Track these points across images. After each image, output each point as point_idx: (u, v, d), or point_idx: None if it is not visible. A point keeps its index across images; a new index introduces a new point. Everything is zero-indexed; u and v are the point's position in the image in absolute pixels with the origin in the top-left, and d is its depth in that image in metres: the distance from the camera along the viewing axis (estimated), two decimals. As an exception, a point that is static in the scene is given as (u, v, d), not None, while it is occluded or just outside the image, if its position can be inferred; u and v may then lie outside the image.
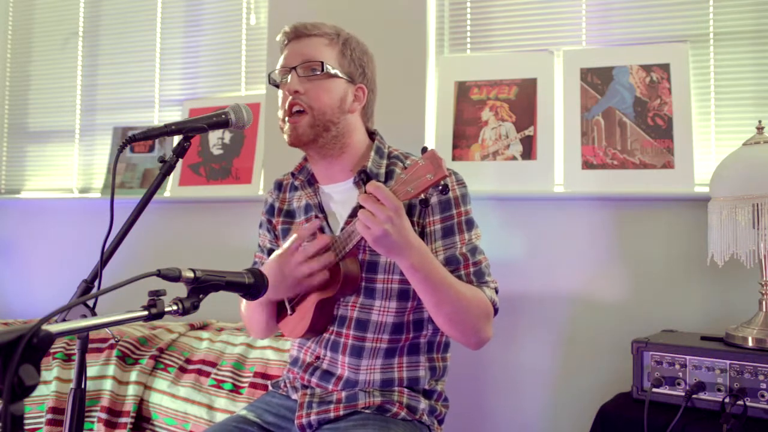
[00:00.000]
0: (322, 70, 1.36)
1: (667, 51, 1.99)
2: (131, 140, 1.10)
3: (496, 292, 1.37)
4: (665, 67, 1.98)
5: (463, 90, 2.19)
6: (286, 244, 1.35)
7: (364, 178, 1.39)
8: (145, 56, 2.72)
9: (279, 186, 1.57)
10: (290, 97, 1.37)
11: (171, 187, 2.58)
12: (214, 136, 2.55)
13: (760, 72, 1.92)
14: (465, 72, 2.21)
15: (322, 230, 1.43)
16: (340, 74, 1.38)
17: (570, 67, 2.08)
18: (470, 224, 1.39)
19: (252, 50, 2.55)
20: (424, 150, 1.15)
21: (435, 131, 2.20)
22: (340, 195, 1.44)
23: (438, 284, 1.23)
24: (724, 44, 1.95)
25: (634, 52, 2.02)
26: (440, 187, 1.15)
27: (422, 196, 1.16)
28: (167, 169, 1.15)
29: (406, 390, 1.37)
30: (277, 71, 1.42)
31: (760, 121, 1.67)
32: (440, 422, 1.45)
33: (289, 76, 1.38)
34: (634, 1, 2.04)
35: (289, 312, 1.42)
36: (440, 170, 1.12)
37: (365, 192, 1.16)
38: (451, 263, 1.33)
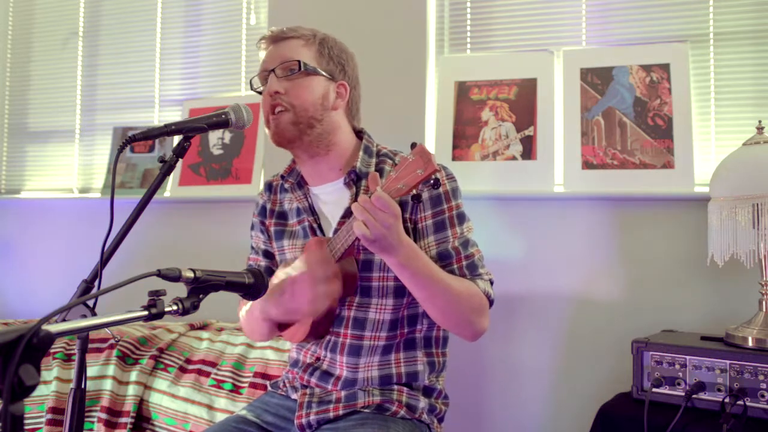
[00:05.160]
0: (300, 68, 1.36)
1: (667, 51, 1.99)
2: (131, 140, 1.10)
3: (491, 283, 1.38)
4: (665, 67, 1.98)
5: (463, 90, 2.19)
6: (284, 273, 1.34)
7: (354, 178, 1.39)
8: (145, 56, 2.72)
9: (269, 187, 1.57)
10: (271, 99, 1.37)
11: (171, 187, 2.58)
12: (214, 136, 2.55)
13: (760, 72, 1.92)
14: (465, 72, 2.20)
15: (314, 232, 1.43)
16: (319, 71, 1.39)
17: (570, 67, 2.08)
18: (461, 218, 1.39)
19: (252, 50, 2.55)
20: (414, 146, 1.15)
21: (435, 131, 2.20)
22: (329, 196, 1.44)
23: (427, 279, 1.24)
24: (724, 44, 1.95)
25: (634, 52, 2.02)
26: (431, 182, 1.15)
27: (413, 192, 1.16)
28: (167, 169, 1.15)
29: (405, 388, 1.37)
30: (257, 77, 1.43)
31: (760, 121, 1.67)
32: (440, 420, 1.45)
33: (269, 79, 1.38)
34: (634, 1, 2.04)
35: None
36: (430, 165, 1.12)
37: (365, 194, 1.16)
38: (444, 258, 1.34)
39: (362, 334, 1.37)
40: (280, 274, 1.39)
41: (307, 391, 1.40)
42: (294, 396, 1.43)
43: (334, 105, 1.41)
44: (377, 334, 1.37)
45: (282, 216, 1.52)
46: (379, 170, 1.41)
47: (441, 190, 1.37)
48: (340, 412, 1.34)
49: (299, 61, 1.36)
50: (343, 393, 1.36)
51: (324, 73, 1.39)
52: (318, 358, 1.42)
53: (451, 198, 1.38)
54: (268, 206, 1.55)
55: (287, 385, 1.47)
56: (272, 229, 1.52)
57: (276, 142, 1.39)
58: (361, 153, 1.42)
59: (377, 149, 1.45)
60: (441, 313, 1.30)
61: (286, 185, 1.49)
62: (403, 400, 1.35)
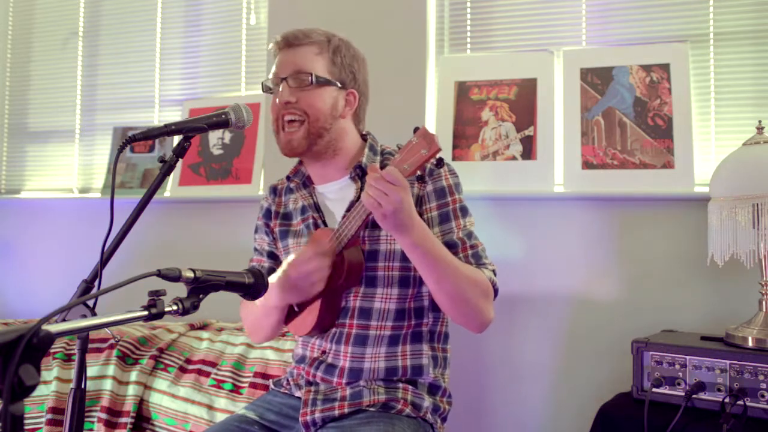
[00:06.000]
0: (311, 81, 1.38)
1: (667, 51, 1.99)
2: (131, 140, 1.10)
3: (495, 274, 1.39)
4: (665, 67, 1.98)
5: (463, 90, 2.19)
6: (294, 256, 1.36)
7: (359, 173, 1.42)
8: (145, 56, 2.72)
9: (274, 190, 1.59)
10: (283, 108, 1.39)
11: (171, 187, 2.58)
12: (214, 136, 2.55)
13: (760, 72, 1.92)
14: (465, 72, 2.20)
15: (318, 228, 1.44)
16: (330, 82, 1.41)
17: (570, 67, 2.08)
18: (464, 211, 1.42)
19: (252, 50, 2.55)
20: (416, 130, 1.17)
21: (435, 131, 2.20)
22: (335, 194, 1.47)
23: (438, 260, 1.26)
24: (724, 44, 1.95)
25: (634, 52, 2.02)
26: (435, 161, 1.17)
27: (418, 172, 1.17)
28: (167, 169, 1.15)
29: (410, 387, 1.38)
30: (269, 79, 1.44)
31: (760, 121, 1.67)
32: (443, 420, 1.45)
33: (281, 87, 1.40)
34: (634, 1, 2.04)
35: (296, 308, 1.43)
36: (434, 144, 1.14)
37: (373, 175, 1.18)
38: (450, 247, 1.36)
39: (368, 323, 1.38)
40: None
41: (312, 388, 1.40)
42: (298, 394, 1.44)
43: (342, 113, 1.44)
44: (383, 323, 1.38)
45: (286, 217, 1.54)
46: (384, 166, 1.42)
47: (445, 183, 1.41)
48: (346, 411, 1.34)
49: (311, 74, 1.38)
50: (348, 391, 1.36)
51: (335, 83, 1.42)
52: (324, 352, 1.42)
53: (455, 191, 1.42)
54: (273, 208, 1.57)
55: (291, 383, 1.48)
56: (277, 230, 1.55)
57: (286, 154, 1.43)
58: (366, 151, 1.45)
59: (381, 148, 1.49)
60: (450, 298, 1.31)
61: (292, 185, 1.52)
62: (408, 399, 1.36)
